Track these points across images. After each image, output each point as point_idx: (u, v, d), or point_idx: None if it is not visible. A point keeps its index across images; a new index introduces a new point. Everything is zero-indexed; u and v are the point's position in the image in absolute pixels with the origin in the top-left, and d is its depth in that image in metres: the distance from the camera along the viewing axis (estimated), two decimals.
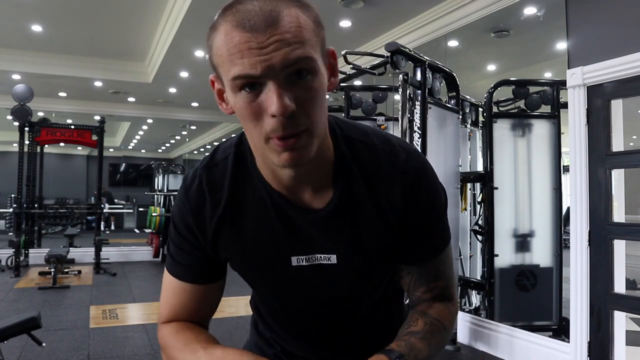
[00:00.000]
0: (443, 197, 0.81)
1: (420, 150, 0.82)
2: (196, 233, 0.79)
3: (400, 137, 3.16)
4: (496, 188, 3.68)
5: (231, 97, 0.66)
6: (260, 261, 0.80)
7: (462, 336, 3.66)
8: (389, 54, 3.12)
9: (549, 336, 3.31)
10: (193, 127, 10.57)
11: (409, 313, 0.85)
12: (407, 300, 0.89)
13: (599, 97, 2.79)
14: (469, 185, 4.02)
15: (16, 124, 6.70)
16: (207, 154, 0.84)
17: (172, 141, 12.52)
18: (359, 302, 0.88)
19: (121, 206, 12.62)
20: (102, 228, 8.67)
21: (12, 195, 8.78)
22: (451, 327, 0.85)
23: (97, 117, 7.30)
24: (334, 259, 0.79)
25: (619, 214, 2.82)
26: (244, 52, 0.61)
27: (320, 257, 0.79)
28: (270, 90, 0.62)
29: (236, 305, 4.59)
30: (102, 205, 7.91)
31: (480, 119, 4.22)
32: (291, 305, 0.88)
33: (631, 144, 4.27)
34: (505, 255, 3.69)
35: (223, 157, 0.80)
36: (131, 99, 8.18)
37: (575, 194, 2.85)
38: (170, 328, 0.83)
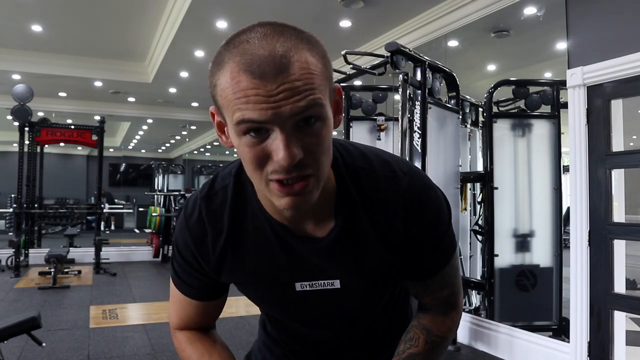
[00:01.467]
0: (446, 215, 0.80)
1: (419, 170, 0.81)
2: (199, 260, 0.81)
3: (400, 136, 3.17)
4: (496, 188, 3.68)
5: (235, 139, 0.64)
6: (264, 287, 0.82)
7: (462, 336, 3.66)
8: (389, 54, 3.12)
9: (549, 336, 3.31)
10: (193, 127, 10.56)
11: (413, 321, 0.88)
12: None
13: (599, 97, 2.79)
14: (469, 185, 4.01)
15: (16, 124, 6.70)
16: (204, 183, 0.84)
17: (172, 141, 12.51)
18: (363, 317, 0.89)
19: (121, 206, 12.62)
20: (102, 228, 8.68)
21: (12, 195, 8.78)
22: (453, 335, 0.88)
23: (97, 117, 7.30)
24: (337, 283, 0.79)
25: (619, 214, 2.82)
26: (251, 98, 0.59)
27: (324, 282, 0.80)
28: (277, 138, 0.60)
29: (236, 305, 4.59)
30: (102, 205, 7.92)
31: (480, 119, 4.22)
32: (296, 323, 0.90)
33: (631, 144, 4.27)
34: (505, 255, 3.69)
35: (222, 186, 0.79)
36: (131, 99, 8.18)
37: (575, 194, 2.85)
38: (185, 337, 0.91)
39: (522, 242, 3.72)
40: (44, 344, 2.58)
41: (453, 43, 4.41)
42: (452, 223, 0.83)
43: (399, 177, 0.76)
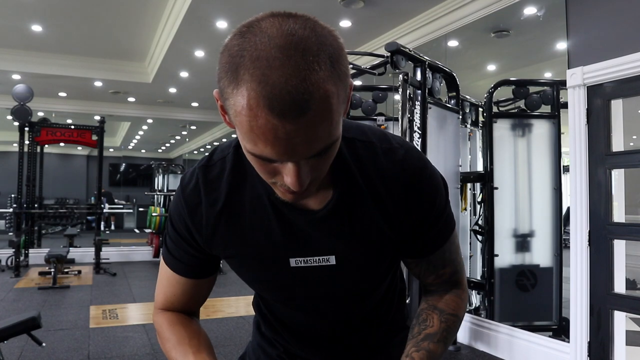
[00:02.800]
0: (444, 189, 0.81)
1: (414, 145, 0.82)
2: (192, 231, 0.80)
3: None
4: (496, 188, 3.68)
5: (243, 144, 0.62)
6: (258, 261, 0.80)
7: (462, 336, 3.66)
8: (389, 54, 3.12)
9: (549, 336, 3.31)
10: (193, 127, 10.56)
11: (422, 304, 0.87)
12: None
13: (599, 97, 2.79)
14: (469, 185, 4.01)
15: (16, 124, 6.71)
16: (206, 153, 0.84)
17: (172, 141, 12.51)
18: (360, 301, 0.88)
19: (121, 206, 12.62)
20: (102, 228, 8.68)
21: (12, 195, 8.79)
22: (464, 314, 0.88)
23: (97, 117, 7.30)
24: (332, 260, 0.79)
25: (619, 214, 2.82)
26: (269, 138, 0.57)
27: (319, 259, 0.79)
28: (289, 167, 0.61)
29: (236, 305, 4.59)
30: (102, 205, 7.92)
31: (480, 119, 4.22)
32: (291, 304, 0.88)
33: (631, 144, 4.27)
34: (505, 255, 3.69)
35: (221, 157, 0.79)
36: (131, 99, 8.18)
37: (575, 194, 2.85)
38: (166, 318, 0.88)
39: (522, 242, 3.72)
40: (44, 344, 2.58)
41: (453, 43, 4.41)
42: (449, 201, 0.84)
43: (396, 148, 0.76)
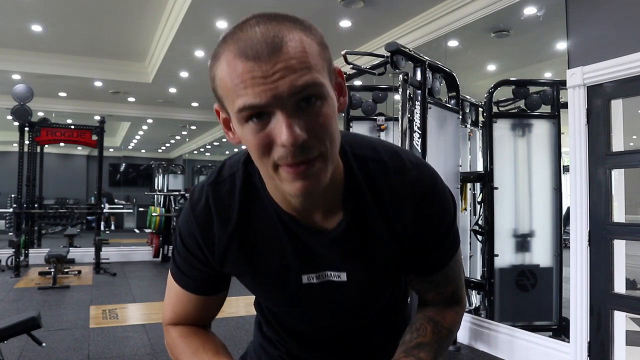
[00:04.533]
0: (453, 209, 0.80)
1: (427, 163, 0.81)
2: (204, 250, 0.79)
3: (400, 136, 3.17)
4: (496, 188, 3.68)
5: (238, 128, 0.64)
6: (270, 279, 0.80)
7: (462, 336, 3.66)
8: (389, 54, 3.12)
9: (549, 336, 3.31)
10: (193, 127, 10.56)
11: (418, 314, 0.87)
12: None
13: (599, 97, 2.79)
14: (469, 185, 4.01)
15: (16, 124, 6.71)
16: (213, 168, 0.84)
17: (172, 141, 12.51)
18: (366, 312, 0.89)
19: (121, 206, 12.62)
20: (102, 228, 8.68)
21: (12, 195, 8.78)
22: (457, 329, 0.87)
23: (97, 117, 7.30)
24: (344, 276, 0.79)
25: (619, 214, 2.82)
26: (248, 82, 0.59)
27: (331, 274, 0.79)
28: (279, 120, 0.60)
29: (236, 305, 4.59)
30: (102, 205, 7.92)
31: (480, 119, 4.22)
32: (299, 317, 0.89)
33: (631, 144, 4.27)
34: (505, 255, 3.69)
35: (230, 173, 0.78)
36: (131, 99, 8.18)
37: (575, 194, 2.85)
38: (178, 331, 0.86)
39: (522, 242, 3.72)
40: (44, 344, 2.58)
41: (453, 43, 4.41)
42: (457, 219, 0.83)
43: (408, 168, 0.75)
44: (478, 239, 4.02)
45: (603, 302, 2.72)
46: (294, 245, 0.76)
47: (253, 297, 0.98)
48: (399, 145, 3.17)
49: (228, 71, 0.60)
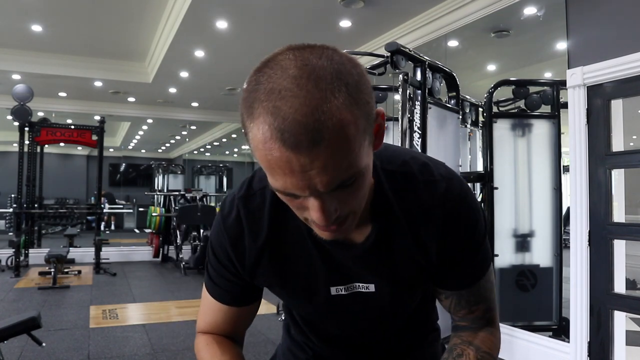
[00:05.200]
0: (483, 223, 0.79)
1: (457, 174, 0.79)
2: (234, 262, 0.80)
3: (400, 136, 3.17)
4: (496, 188, 3.68)
5: (268, 179, 0.62)
6: (299, 291, 0.81)
7: None
8: (389, 54, 3.12)
9: (549, 336, 3.31)
10: (193, 127, 10.57)
11: (454, 339, 0.85)
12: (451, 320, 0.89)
13: (599, 97, 2.79)
14: (469, 185, 4.01)
15: (16, 124, 6.71)
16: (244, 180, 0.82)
17: (172, 141, 12.52)
18: (395, 319, 0.89)
19: (121, 206, 12.62)
20: (102, 228, 8.68)
21: (12, 195, 8.78)
22: (498, 353, 0.86)
23: (97, 117, 7.31)
24: (372, 287, 0.80)
25: (619, 214, 2.82)
26: (286, 170, 0.56)
27: (359, 285, 0.80)
28: (312, 202, 0.60)
29: None
30: (102, 206, 7.92)
31: (480, 119, 4.21)
32: (328, 324, 0.90)
33: (631, 144, 4.27)
34: (505, 255, 3.69)
35: (260, 187, 0.78)
36: (131, 99, 8.18)
37: (575, 194, 2.85)
38: (204, 339, 0.89)
39: (522, 242, 3.72)
40: (44, 344, 2.58)
41: (453, 43, 4.41)
42: (487, 235, 0.81)
43: (438, 181, 0.75)
44: None
45: (603, 302, 2.72)
46: (322, 259, 0.77)
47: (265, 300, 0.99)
48: (400, 145, 3.17)
49: (264, 147, 0.56)
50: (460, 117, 3.72)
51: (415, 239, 0.75)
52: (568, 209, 3.21)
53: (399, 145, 3.19)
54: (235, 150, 12.92)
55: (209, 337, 0.88)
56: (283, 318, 1.06)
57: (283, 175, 0.57)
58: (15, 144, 6.80)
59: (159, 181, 11.41)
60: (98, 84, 7.12)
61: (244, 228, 0.78)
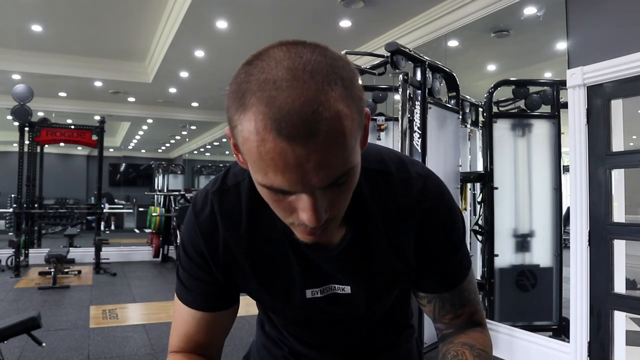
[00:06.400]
0: (461, 224, 0.78)
1: (433, 173, 0.78)
2: (208, 260, 0.76)
3: (400, 136, 3.17)
4: (496, 188, 3.68)
5: (254, 177, 0.59)
6: (274, 293, 0.79)
7: None
8: (389, 54, 3.12)
9: (549, 336, 3.31)
10: (193, 127, 10.57)
11: (445, 345, 0.82)
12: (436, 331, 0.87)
13: (599, 97, 2.79)
14: (469, 185, 4.01)
15: (16, 124, 6.71)
16: (215, 175, 0.79)
17: (172, 141, 12.52)
18: (370, 319, 0.89)
19: (121, 206, 12.62)
20: (102, 228, 8.68)
21: (12, 195, 8.79)
22: (492, 351, 0.83)
23: (97, 117, 7.30)
24: (348, 289, 0.79)
25: (619, 214, 2.82)
26: (279, 164, 0.53)
27: (335, 287, 0.79)
28: (304, 200, 0.57)
29: None
30: (102, 205, 7.92)
31: (480, 119, 4.22)
32: (302, 326, 0.89)
33: (631, 144, 4.27)
34: (505, 255, 3.69)
35: (234, 182, 0.75)
36: (131, 99, 8.18)
37: (575, 194, 2.85)
38: (176, 358, 0.82)
39: (522, 242, 3.72)
40: (44, 344, 2.58)
41: (453, 43, 4.41)
42: (465, 236, 0.80)
43: (414, 178, 0.74)
44: (478, 239, 4.02)
45: (603, 302, 2.72)
46: (298, 260, 0.75)
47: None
48: (399, 145, 3.17)
49: (256, 139, 0.53)
50: (460, 117, 3.72)
51: (391, 239, 0.74)
52: (568, 209, 3.21)
53: (399, 145, 3.19)
54: None
55: (181, 356, 0.81)
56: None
57: (275, 169, 0.54)
58: (15, 144, 6.80)
59: (159, 181, 11.41)
60: (98, 84, 7.12)
61: (218, 224, 0.74)
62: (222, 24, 4.77)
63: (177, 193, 8.14)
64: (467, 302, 0.81)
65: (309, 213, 0.57)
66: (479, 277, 4.08)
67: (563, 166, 3.75)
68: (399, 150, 3.23)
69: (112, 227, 11.96)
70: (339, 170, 0.56)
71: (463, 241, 0.79)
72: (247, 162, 0.59)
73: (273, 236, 0.74)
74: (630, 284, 4.74)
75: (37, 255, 6.81)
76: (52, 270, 5.55)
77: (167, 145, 12.98)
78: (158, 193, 10.37)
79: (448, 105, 3.58)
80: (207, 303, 0.80)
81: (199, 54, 5.68)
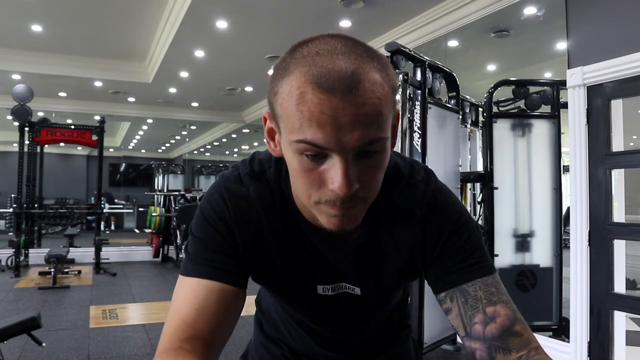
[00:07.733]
0: (470, 223, 0.76)
1: (435, 176, 0.81)
2: (234, 231, 0.73)
3: (400, 136, 3.17)
4: (496, 188, 3.68)
5: (287, 152, 0.62)
6: (286, 286, 0.81)
7: None
8: (389, 54, 3.12)
9: (549, 336, 3.31)
10: (193, 127, 10.57)
11: None
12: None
13: (599, 97, 2.79)
14: (469, 185, 4.01)
15: (16, 124, 6.70)
16: (241, 160, 0.79)
17: (172, 141, 12.52)
18: (375, 319, 0.91)
19: (121, 206, 12.63)
20: (102, 228, 8.68)
21: (12, 195, 8.79)
22: None
23: (97, 117, 7.30)
24: (358, 290, 0.80)
25: (619, 214, 2.82)
26: (315, 115, 0.55)
27: (346, 286, 0.80)
28: (336, 165, 0.58)
29: None
30: (102, 205, 7.92)
31: (480, 119, 4.21)
32: (309, 321, 0.89)
33: (631, 144, 4.27)
34: (505, 255, 3.69)
35: (261, 169, 0.76)
36: (131, 99, 8.18)
37: (575, 194, 2.85)
38: (165, 356, 0.64)
39: (522, 242, 3.72)
40: (44, 344, 2.58)
41: (453, 43, 4.41)
42: (482, 240, 0.77)
43: (418, 182, 0.76)
44: None
45: (603, 302, 2.72)
46: (313, 256, 0.77)
47: (252, 297, 0.98)
48: (399, 145, 3.17)
49: (296, 94, 0.56)
50: (460, 117, 3.72)
51: (400, 242, 0.76)
52: (568, 209, 3.21)
53: (399, 145, 3.19)
54: (235, 150, 12.93)
55: (172, 352, 0.64)
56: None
57: (310, 120, 0.56)
58: (15, 144, 6.80)
59: (159, 181, 11.42)
60: (98, 84, 7.12)
61: (252, 202, 0.73)
62: (222, 24, 4.77)
63: (177, 193, 8.14)
64: (496, 300, 0.71)
65: (340, 178, 0.58)
66: None
67: (563, 166, 3.75)
68: (399, 151, 3.23)
69: (112, 227, 11.96)
70: (372, 134, 0.57)
71: (480, 242, 0.76)
72: (280, 122, 0.60)
73: (292, 228, 0.76)
74: (630, 284, 4.74)
75: (37, 255, 6.81)
76: (52, 270, 5.55)
77: (167, 145, 12.98)
78: (158, 193, 10.38)
79: (448, 105, 3.58)
80: (222, 272, 0.71)
81: (199, 54, 5.68)
